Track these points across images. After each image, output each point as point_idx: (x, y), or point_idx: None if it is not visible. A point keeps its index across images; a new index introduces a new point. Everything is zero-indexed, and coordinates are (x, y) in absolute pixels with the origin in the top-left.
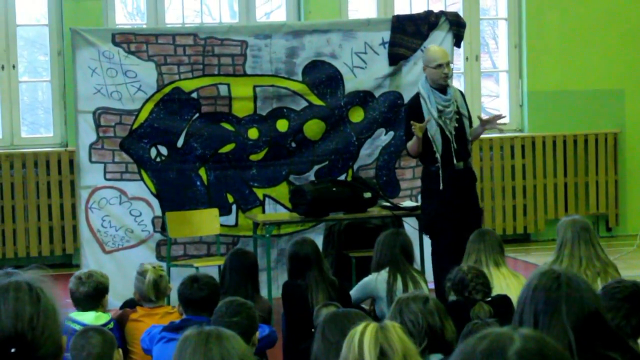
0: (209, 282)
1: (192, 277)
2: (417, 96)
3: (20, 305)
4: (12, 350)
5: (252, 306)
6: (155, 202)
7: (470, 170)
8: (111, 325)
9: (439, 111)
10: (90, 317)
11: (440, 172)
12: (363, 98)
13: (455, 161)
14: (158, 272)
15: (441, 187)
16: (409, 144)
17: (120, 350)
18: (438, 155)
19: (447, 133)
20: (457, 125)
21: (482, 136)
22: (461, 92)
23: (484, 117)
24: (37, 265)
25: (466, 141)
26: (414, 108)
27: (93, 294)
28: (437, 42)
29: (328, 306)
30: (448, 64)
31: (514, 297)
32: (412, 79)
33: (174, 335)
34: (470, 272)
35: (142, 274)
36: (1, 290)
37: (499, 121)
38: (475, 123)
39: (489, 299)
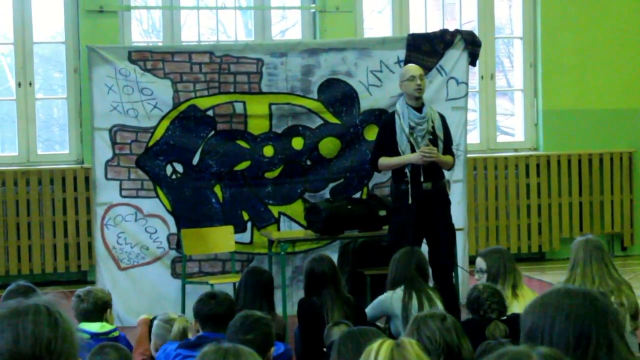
0: (227, 298)
1: (209, 294)
2: (393, 112)
3: (39, 329)
4: None
5: (267, 321)
6: (170, 219)
7: (441, 192)
8: (117, 334)
9: (411, 128)
10: (96, 326)
11: (410, 188)
12: (378, 116)
13: (422, 179)
14: (186, 322)
15: (410, 202)
16: (388, 162)
17: None
18: (407, 171)
19: (418, 151)
20: (428, 144)
21: (497, 155)
22: (442, 116)
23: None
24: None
25: (439, 163)
26: (388, 123)
27: (92, 310)
28: (453, 61)
29: (339, 325)
30: (421, 76)
31: None
32: (427, 97)
33: (190, 352)
34: (486, 291)
35: (167, 322)
36: (21, 314)
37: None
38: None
39: (504, 317)
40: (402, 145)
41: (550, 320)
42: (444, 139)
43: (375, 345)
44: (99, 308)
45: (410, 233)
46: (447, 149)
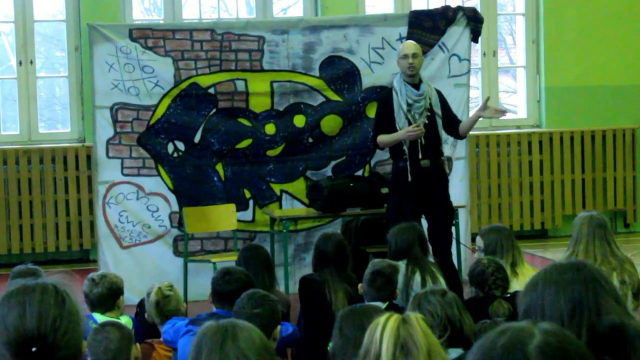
0: (240, 277)
1: (224, 270)
2: (390, 89)
3: (45, 307)
4: (33, 349)
5: (274, 299)
6: (172, 198)
7: (439, 170)
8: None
9: (408, 105)
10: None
11: (409, 165)
12: (380, 93)
13: (420, 157)
14: (164, 291)
15: (409, 179)
16: (384, 139)
17: (138, 345)
18: (406, 148)
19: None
20: (427, 122)
21: (499, 132)
22: (440, 93)
23: (490, 105)
24: (65, 270)
25: (437, 140)
26: (385, 100)
27: (107, 295)
28: (455, 38)
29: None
30: (414, 55)
31: None
32: (430, 75)
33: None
34: (491, 266)
35: (148, 294)
36: (28, 291)
37: (499, 115)
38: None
39: (508, 294)
40: (400, 122)
41: (540, 297)
42: (444, 114)
43: (381, 320)
44: (114, 293)
45: (409, 210)
46: (453, 120)
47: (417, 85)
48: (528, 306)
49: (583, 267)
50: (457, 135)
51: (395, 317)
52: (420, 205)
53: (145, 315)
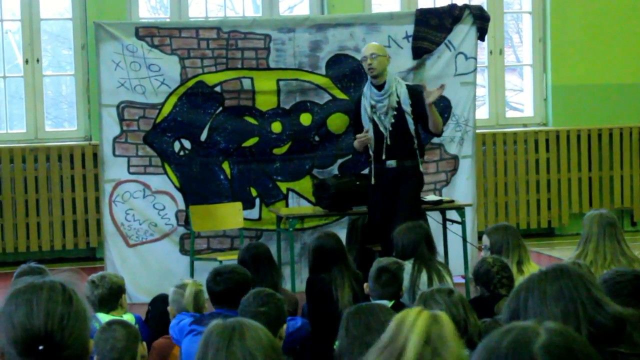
0: (232, 276)
1: (216, 270)
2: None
3: (53, 305)
4: (40, 347)
5: (280, 298)
6: (178, 196)
7: (408, 169)
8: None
9: (372, 106)
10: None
11: (373, 167)
12: None
13: (384, 157)
14: (198, 285)
15: (372, 182)
16: (354, 143)
17: (144, 343)
18: (371, 151)
19: (382, 129)
20: (393, 121)
21: (506, 130)
22: (414, 90)
23: (429, 90)
24: (72, 269)
25: (408, 139)
26: (357, 104)
27: (108, 295)
28: (461, 36)
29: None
30: (373, 56)
31: None
32: (436, 73)
33: (203, 328)
34: (496, 265)
35: (181, 287)
36: (35, 289)
37: (440, 91)
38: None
39: None
40: (366, 124)
41: (523, 307)
42: (414, 111)
43: (410, 315)
44: (115, 293)
45: (378, 212)
46: (424, 118)
47: (381, 86)
48: (512, 312)
49: (565, 268)
50: (429, 132)
51: (426, 314)
52: (389, 206)
53: (168, 308)
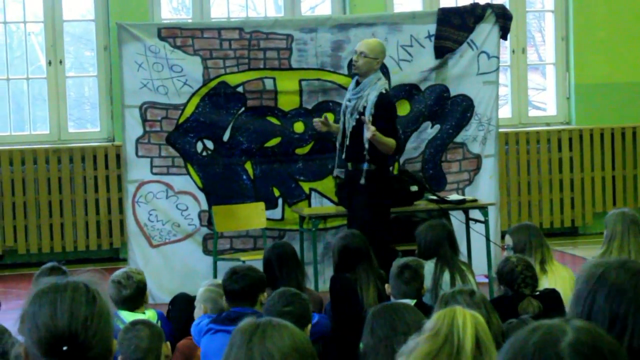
0: (247, 274)
1: (232, 269)
2: None
3: (76, 306)
4: (64, 348)
5: (305, 297)
6: (201, 196)
7: (357, 175)
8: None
9: (346, 104)
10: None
11: (336, 164)
12: (409, 91)
13: (344, 157)
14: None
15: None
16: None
17: (168, 343)
18: (337, 144)
19: (345, 128)
20: (354, 124)
21: (529, 129)
22: (382, 102)
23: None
24: (95, 269)
25: (361, 145)
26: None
27: (135, 295)
28: (484, 35)
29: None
30: (361, 53)
31: (562, 291)
32: (458, 72)
33: (220, 327)
34: (520, 264)
35: (217, 286)
36: (59, 289)
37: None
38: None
39: (537, 292)
40: (340, 121)
41: (591, 294)
42: (374, 122)
43: (458, 311)
44: (141, 292)
45: (349, 215)
46: (383, 133)
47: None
48: (579, 292)
49: None
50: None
51: (470, 314)
52: (348, 205)
53: (200, 306)
